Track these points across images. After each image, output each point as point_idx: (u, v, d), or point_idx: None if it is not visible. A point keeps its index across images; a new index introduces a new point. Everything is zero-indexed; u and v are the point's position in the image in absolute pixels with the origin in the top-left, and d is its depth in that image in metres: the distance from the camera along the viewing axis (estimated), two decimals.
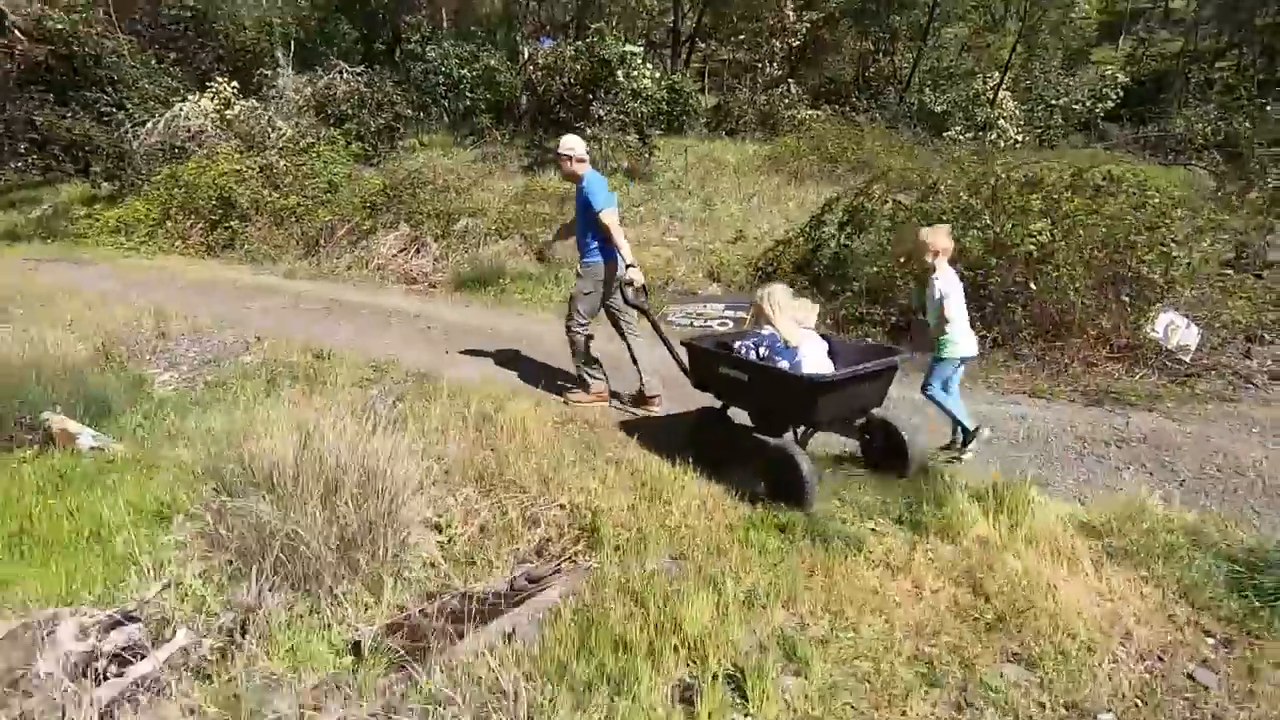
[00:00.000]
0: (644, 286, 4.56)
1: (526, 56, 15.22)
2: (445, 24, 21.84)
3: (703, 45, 29.40)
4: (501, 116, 17.00)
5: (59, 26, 18.37)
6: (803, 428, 3.46)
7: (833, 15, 22.99)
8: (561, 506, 2.94)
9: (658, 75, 13.71)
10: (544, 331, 6.57)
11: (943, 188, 7.17)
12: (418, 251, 10.19)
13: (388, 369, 4.74)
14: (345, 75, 14.86)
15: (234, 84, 15.49)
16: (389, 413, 4.21)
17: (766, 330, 3.70)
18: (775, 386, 3.39)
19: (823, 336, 3.86)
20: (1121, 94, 21.30)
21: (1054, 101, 21.05)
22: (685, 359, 3.94)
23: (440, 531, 2.97)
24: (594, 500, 2.93)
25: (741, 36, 22.87)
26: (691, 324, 7.67)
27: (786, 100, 19.21)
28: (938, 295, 3.71)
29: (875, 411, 3.62)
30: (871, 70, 24.93)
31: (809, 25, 21.94)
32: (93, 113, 17.29)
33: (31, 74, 18.88)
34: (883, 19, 22.99)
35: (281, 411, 4.06)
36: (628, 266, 4.42)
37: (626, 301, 4.52)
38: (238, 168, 12.07)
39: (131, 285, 7.57)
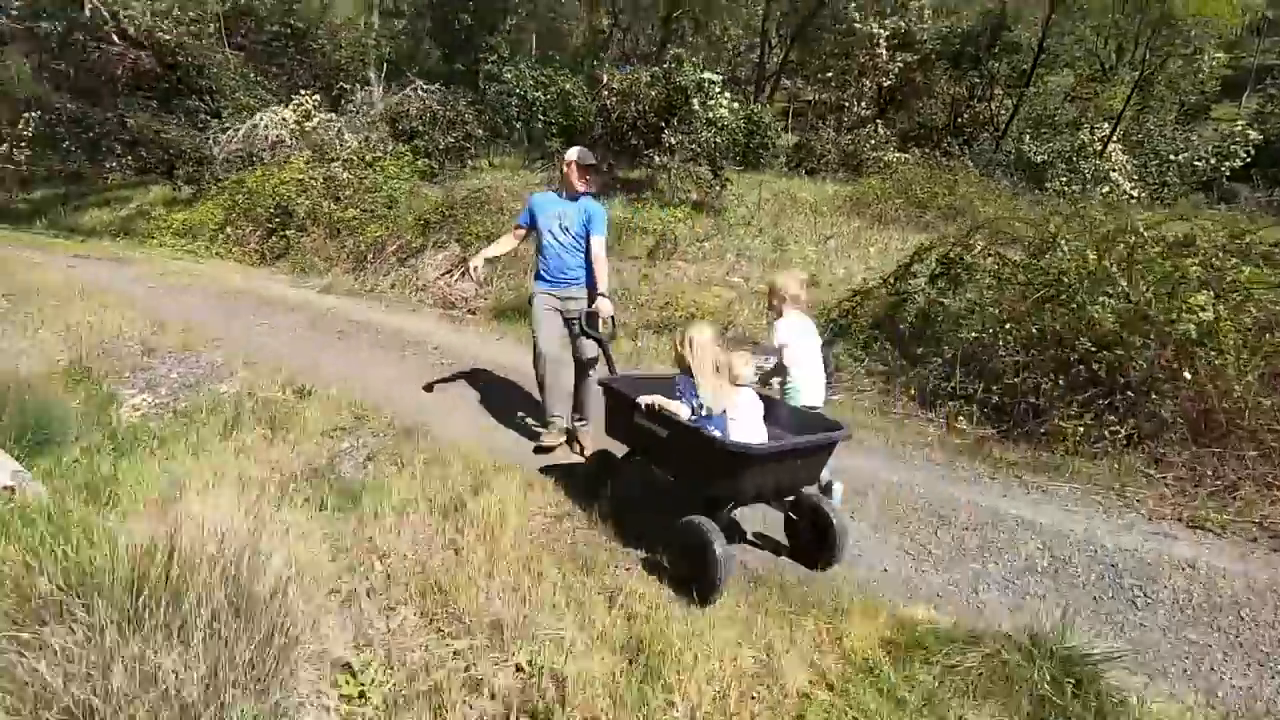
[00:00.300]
0: (612, 318, 4.23)
1: (604, 81, 14.74)
2: (533, 52, 21.94)
3: (788, 83, 28.73)
4: (573, 141, 16.59)
5: (166, 38, 19.22)
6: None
7: (928, 57, 21.84)
8: (517, 669, 2.02)
9: (735, 105, 12.92)
10: None
11: (1063, 243, 5.99)
12: (464, 274, 9.61)
13: (370, 416, 3.99)
14: (420, 92, 14.76)
15: (316, 97, 15.70)
16: (355, 474, 3.43)
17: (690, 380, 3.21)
18: (695, 450, 2.96)
19: (761, 396, 3.41)
20: (1252, 152, 19.20)
21: (1172, 157, 19.15)
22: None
23: (352, 678, 2.09)
24: (562, 663, 1.99)
25: (829, 74, 21.95)
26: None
27: (873, 141, 18.14)
28: (776, 343, 3.64)
29: (806, 491, 3.24)
30: (966, 115, 23.54)
31: (901, 66, 20.88)
32: (192, 119, 17.96)
33: (140, 81, 19.91)
34: (982, 63, 21.69)
35: (229, 464, 3.32)
36: (601, 295, 4.09)
37: (583, 330, 4.05)
38: (300, 177, 11.93)
39: (161, 290, 7.22)
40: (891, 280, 7.53)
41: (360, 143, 13.08)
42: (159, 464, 3.48)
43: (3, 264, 7.70)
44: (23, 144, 19.49)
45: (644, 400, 3.11)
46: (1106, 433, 4.66)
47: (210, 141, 15.00)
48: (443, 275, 9.58)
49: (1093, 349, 4.91)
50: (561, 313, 4.22)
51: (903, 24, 20.21)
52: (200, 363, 4.86)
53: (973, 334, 5.97)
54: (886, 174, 15.10)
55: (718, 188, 12.41)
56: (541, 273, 4.26)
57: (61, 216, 15.80)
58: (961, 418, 5.49)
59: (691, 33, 18.67)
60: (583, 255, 4.18)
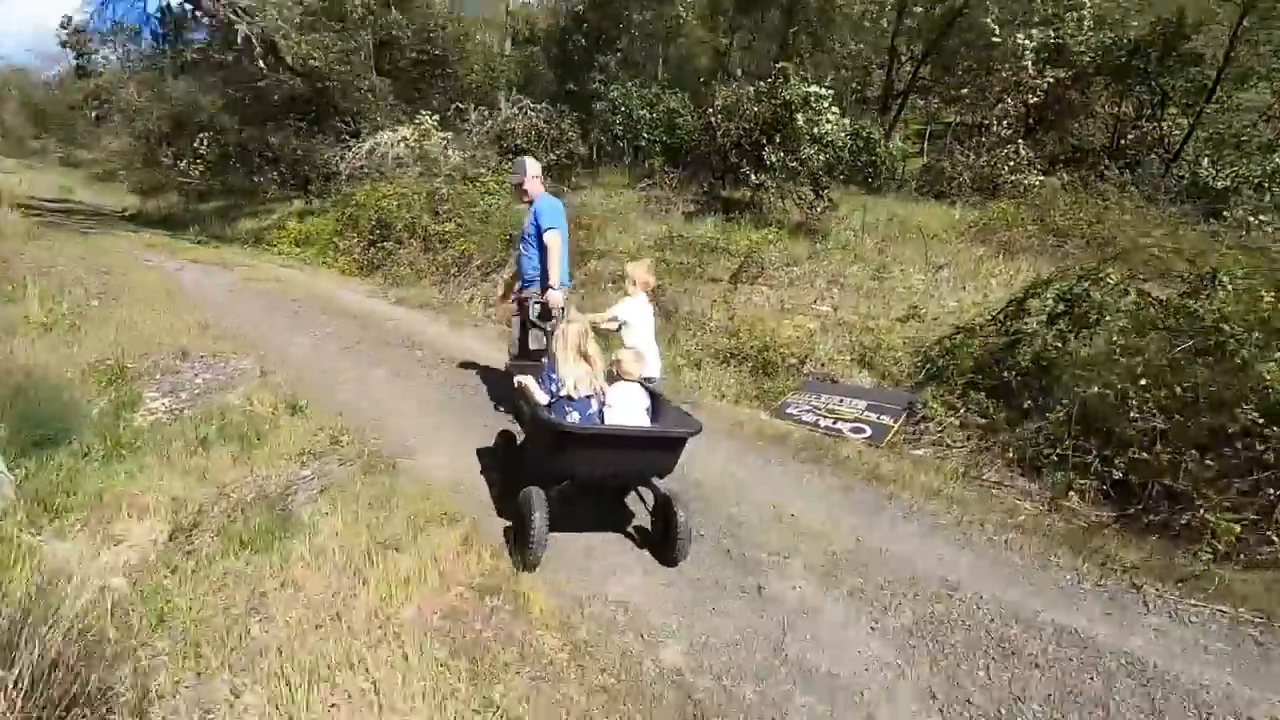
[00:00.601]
0: (561, 311, 4.44)
1: (714, 98, 14.27)
2: (660, 75, 21.93)
3: (922, 102, 26.89)
4: (678, 159, 16.25)
5: (318, 65, 21.00)
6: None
7: (1084, 72, 19.52)
8: None
9: (844, 121, 11.97)
10: None
11: (1227, 279, 4.71)
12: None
13: (348, 441, 3.66)
14: (527, 111, 14.99)
15: (436, 117, 16.41)
16: (304, 506, 3.06)
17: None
18: (534, 426, 3.20)
19: (651, 393, 3.55)
20: None
21: None
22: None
23: None
24: None
25: (964, 91, 20.19)
26: (817, 422, 5.82)
27: (1012, 163, 16.33)
28: (619, 317, 4.18)
29: (662, 485, 3.34)
30: (1131, 136, 20.81)
31: (1052, 81, 18.76)
32: (335, 139, 19.48)
33: (294, 104, 21.96)
34: (1152, 78, 19.07)
35: (180, 485, 3.06)
36: (547, 287, 4.43)
37: (531, 319, 4.43)
38: (403, 191, 12.33)
39: (240, 294, 7.49)
40: (1002, 318, 6.39)
41: (464, 159, 13.38)
42: (118, 478, 3.30)
43: (122, 265, 8.38)
44: (198, 161, 22.05)
45: (517, 379, 3.39)
46: (1275, 536, 3.46)
47: (338, 159, 16.03)
48: None
49: (1260, 420, 3.72)
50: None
51: (1054, 36, 18.18)
52: (226, 369, 4.81)
53: (1097, 389, 4.81)
54: (1023, 198, 13.44)
55: (819, 209, 11.48)
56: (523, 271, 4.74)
57: (215, 226, 17.48)
58: (1072, 493, 4.39)
59: (810, 50, 17.80)
60: (536, 255, 4.57)
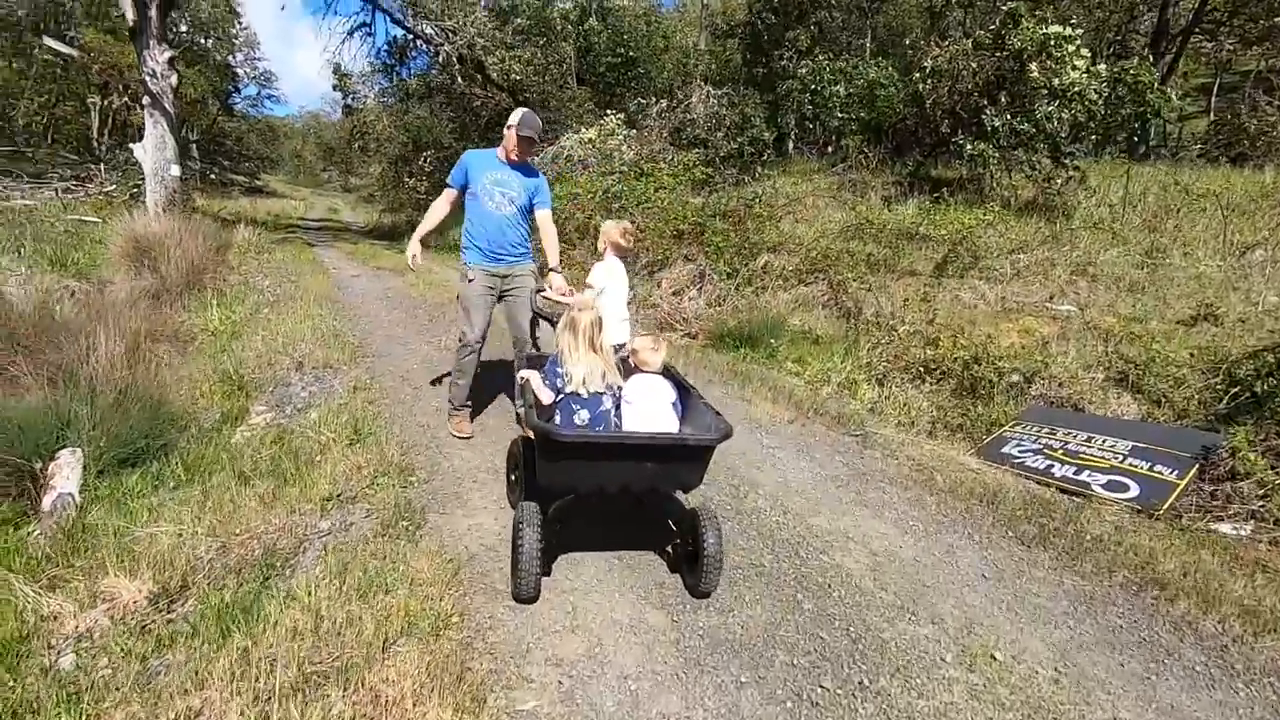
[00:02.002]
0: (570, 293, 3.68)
1: (922, 60, 12.22)
2: (868, 47, 19.83)
3: (1209, 45, 21.34)
4: (880, 137, 14.31)
5: (518, 77, 22.05)
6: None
7: None
8: None
9: (1099, 67, 9.31)
10: (755, 449, 4.09)
11: None
12: (700, 290, 8.42)
13: (390, 483, 2.98)
14: (707, 98, 14.07)
15: (621, 116, 16.19)
16: (308, 568, 2.43)
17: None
18: (533, 430, 2.49)
19: (679, 384, 2.90)
20: None
21: None
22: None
23: None
24: None
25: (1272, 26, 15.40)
26: (1049, 469, 4.15)
27: None
28: (594, 286, 3.66)
29: (688, 499, 2.89)
30: None
31: None
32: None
33: (501, 118, 23.39)
34: None
35: (190, 531, 2.61)
36: (553, 269, 3.81)
37: (536, 312, 3.79)
38: (576, 191, 12.09)
39: (392, 301, 7.50)
40: None
41: (634, 154, 12.84)
42: (143, 516, 2.96)
43: (310, 272, 8.97)
44: (421, 177, 24.39)
45: (521, 373, 2.93)
46: None
47: None
48: (675, 292, 8.52)
49: None
50: (495, 295, 3.79)
51: None
52: (329, 384, 4.51)
53: None
54: None
55: (1061, 181, 9.08)
56: (476, 244, 3.74)
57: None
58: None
59: None
60: (525, 230, 3.85)
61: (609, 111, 16.68)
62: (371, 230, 22.92)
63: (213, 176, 36.49)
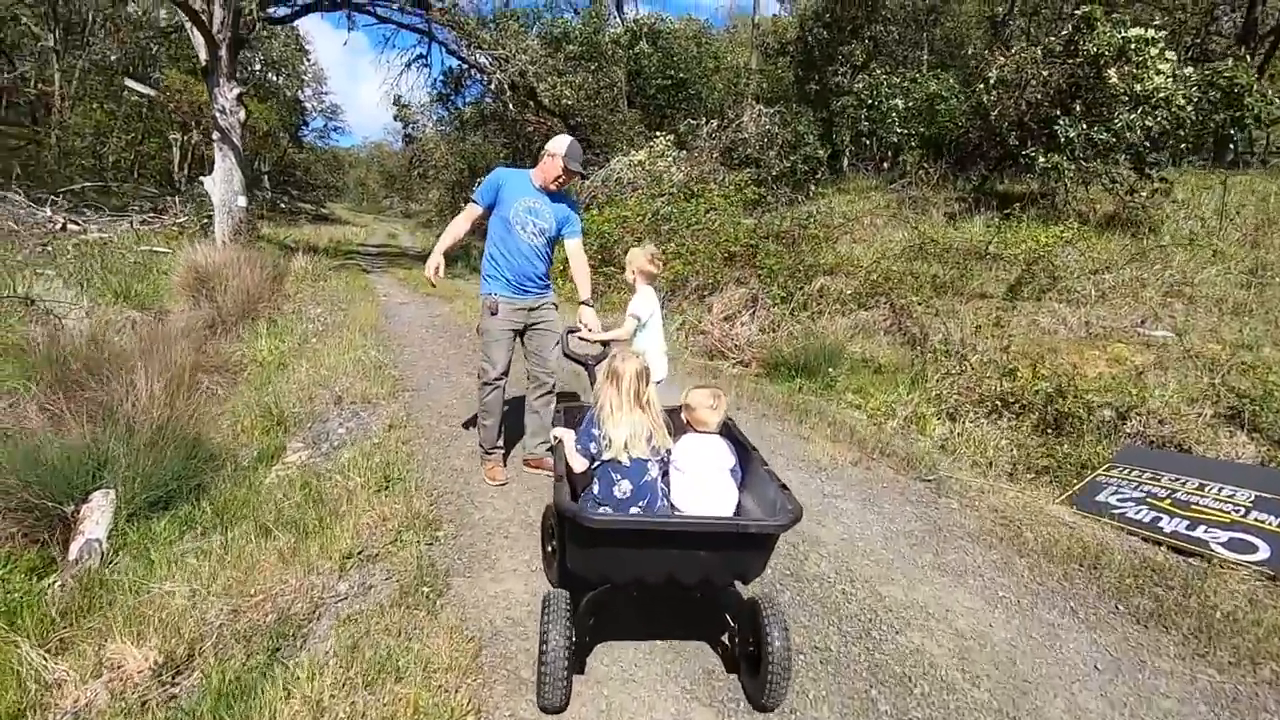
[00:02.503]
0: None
1: (986, 70, 11.67)
2: (926, 59, 19.26)
3: None
4: (940, 151, 13.73)
5: (569, 102, 22.25)
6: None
7: None
8: None
9: (1187, 71, 8.60)
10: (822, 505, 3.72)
11: None
12: (753, 315, 8.07)
13: (415, 538, 2.74)
14: (759, 116, 13.78)
15: (670, 137, 16.07)
16: (319, 640, 2.21)
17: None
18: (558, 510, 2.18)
19: (739, 445, 2.51)
20: None
21: None
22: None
23: None
24: None
25: None
26: (1154, 522, 3.64)
27: None
28: (639, 317, 3.41)
29: (747, 590, 2.37)
30: None
31: None
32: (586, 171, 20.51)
33: (545, 143, 23.73)
34: None
35: (203, 593, 2.44)
36: (584, 303, 3.61)
37: (565, 353, 3.44)
38: (624, 214, 11.94)
39: (436, 329, 7.39)
40: None
41: (683, 174, 12.63)
42: (158, 570, 2.81)
43: (360, 299, 9.03)
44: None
45: (555, 431, 2.56)
46: None
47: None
48: (726, 318, 8.18)
49: None
50: (518, 330, 3.56)
51: None
52: (367, 420, 4.36)
53: None
54: None
55: (1146, 193, 8.40)
56: (503, 275, 3.49)
57: (478, 262, 19.16)
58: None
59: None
60: (550, 261, 3.63)
61: (658, 133, 16.59)
62: (427, 255, 23.39)
63: (282, 205, 38.21)
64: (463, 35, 18.27)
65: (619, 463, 2.29)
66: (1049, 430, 4.91)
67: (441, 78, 23.03)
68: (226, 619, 2.40)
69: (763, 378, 6.35)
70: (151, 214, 17.19)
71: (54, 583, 2.88)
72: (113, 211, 16.31)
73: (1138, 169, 8.79)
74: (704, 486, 2.36)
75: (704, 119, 15.75)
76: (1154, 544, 3.43)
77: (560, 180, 3.45)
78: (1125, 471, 4.27)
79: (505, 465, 3.76)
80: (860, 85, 13.23)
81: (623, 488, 2.29)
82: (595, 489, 2.35)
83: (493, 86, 18.68)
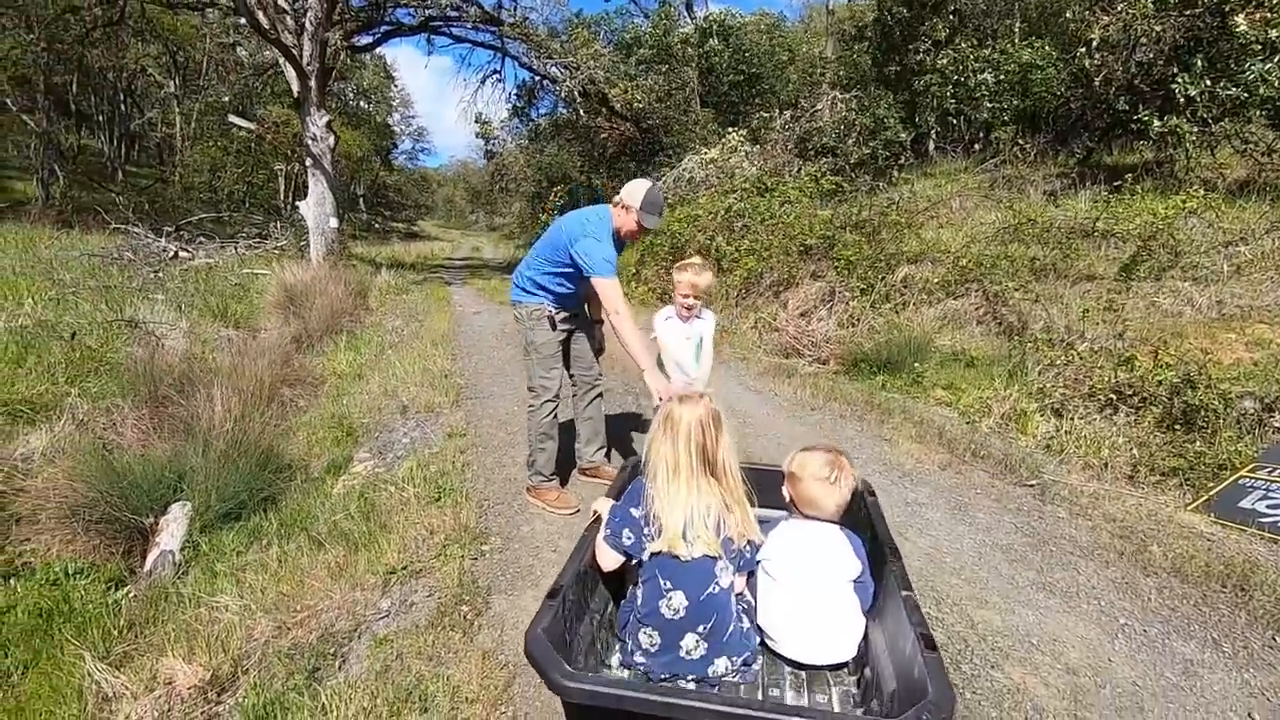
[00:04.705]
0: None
1: (1088, 32, 10.69)
2: (1018, 29, 17.96)
3: None
4: (1037, 125, 12.72)
5: (640, 106, 22.23)
6: None
7: None
8: None
9: None
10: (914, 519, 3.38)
11: None
12: (830, 310, 7.64)
13: (462, 553, 2.61)
14: (834, 103, 13.20)
15: (744, 133, 15.69)
16: (356, 660, 2.13)
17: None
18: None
19: (872, 539, 1.79)
20: None
21: None
22: None
23: None
24: None
25: None
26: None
27: None
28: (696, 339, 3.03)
29: None
30: None
31: None
32: (659, 172, 20.43)
33: (625, 146, 23.89)
34: None
35: (252, 608, 2.43)
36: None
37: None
38: (697, 213, 11.71)
39: (509, 337, 7.38)
40: None
41: (757, 169, 12.24)
42: (223, 581, 2.83)
43: (436, 310, 9.23)
44: (553, 212, 25.26)
45: (595, 505, 1.89)
46: None
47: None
48: (802, 314, 7.79)
49: None
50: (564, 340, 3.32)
51: None
52: (431, 428, 4.35)
53: None
54: None
55: None
56: (555, 292, 3.19)
57: None
58: None
59: None
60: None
61: (730, 129, 16.22)
62: (508, 265, 23.96)
63: (376, 226, 40.34)
64: (533, 47, 18.59)
65: (675, 558, 1.60)
66: (1176, 426, 4.30)
67: (516, 91, 23.55)
68: (272, 635, 2.36)
69: (841, 375, 5.96)
70: (256, 239, 18.45)
71: (126, 594, 2.97)
72: (224, 240, 17.62)
73: (1277, 126, 7.73)
74: (807, 611, 1.69)
75: (776, 110, 15.28)
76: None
77: (633, 234, 3.07)
78: (1276, 472, 3.65)
79: (565, 485, 3.46)
80: (944, 61, 12.41)
81: (674, 602, 1.59)
82: (639, 597, 1.67)
83: (564, 95, 18.91)
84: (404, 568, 2.59)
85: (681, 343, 3.05)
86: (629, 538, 1.68)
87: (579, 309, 3.37)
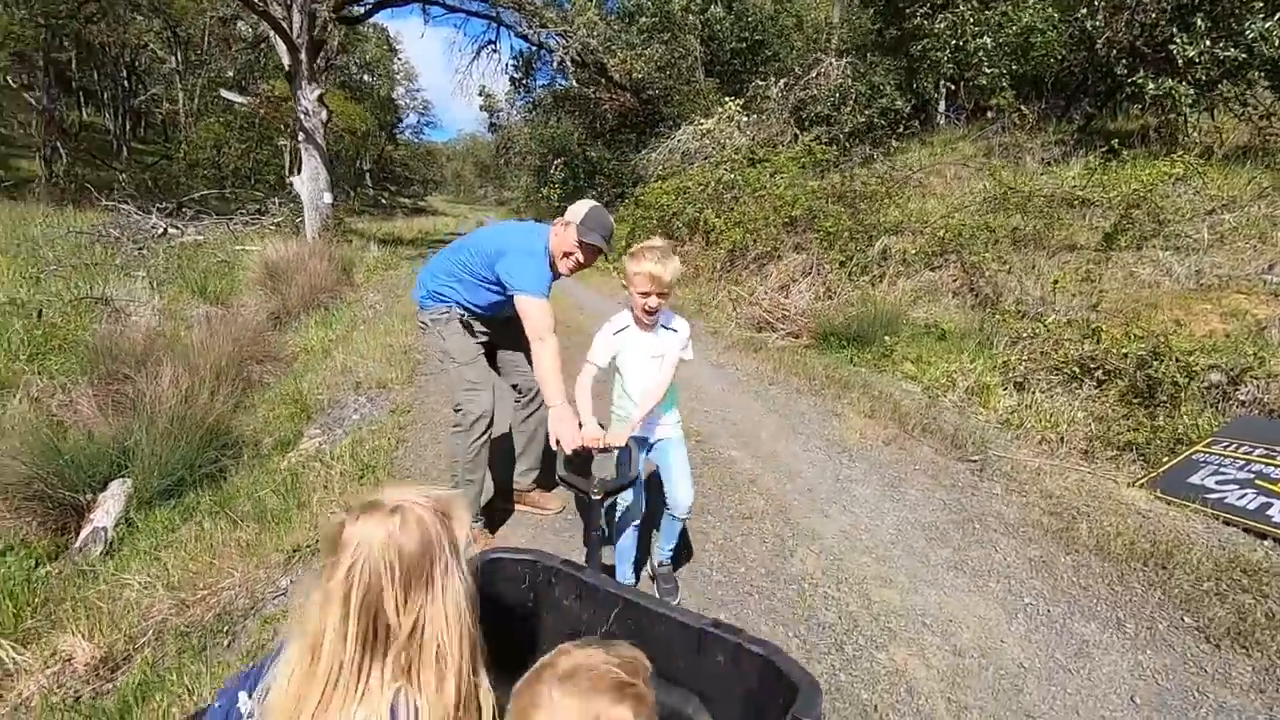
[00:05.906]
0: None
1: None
2: None
3: None
4: (1040, 90, 12.35)
5: (640, 76, 21.83)
6: None
7: None
8: None
9: None
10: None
11: None
12: (810, 282, 7.52)
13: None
14: (831, 68, 12.87)
15: (740, 102, 15.38)
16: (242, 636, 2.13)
17: None
18: None
19: None
20: None
21: None
22: None
23: None
24: None
25: None
26: (1264, 510, 2.98)
27: None
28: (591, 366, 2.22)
29: None
30: None
31: None
32: (657, 145, 20.15)
33: (625, 118, 23.55)
34: None
35: (165, 589, 2.44)
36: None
37: (561, 478, 1.95)
38: (685, 185, 11.53)
39: None
40: None
41: (747, 139, 12.00)
42: (132, 561, 2.84)
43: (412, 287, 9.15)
44: (554, 184, 25.07)
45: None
46: None
47: (644, 162, 16.17)
48: (781, 287, 7.68)
49: None
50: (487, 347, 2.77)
51: None
52: (381, 404, 4.33)
53: None
54: None
55: None
56: (468, 296, 2.62)
57: None
58: None
59: None
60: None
61: (727, 99, 15.90)
62: None
63: (383, 200, 40.26)
64: (526, 16, 18.26)
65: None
66: (1139, 400, 4.19)
67: (513, 61, 23.22)
68: (171, 613, 2.36)
69: (811, 350, 5.86)
70: (255, 215, 18.46)
71: (48, 572, 2.99)
72: (220, 216, 17.63)
73: (1277, 89, 7.41)
74: None
75: (772, 79, 14.93)
76: (1258, 536, 2.80)
77: (570, 255, 2.47)
78: (1231, 448, 3.55)
79: (494, 534, 2.82)
80: (942, 25, 12.01)
81: None
82: None
83: (557, 65, 18.61)
84: (307, 546, 2.58)
85: (644, 364, 2.20)
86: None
87: (498, 324, 2.76)
